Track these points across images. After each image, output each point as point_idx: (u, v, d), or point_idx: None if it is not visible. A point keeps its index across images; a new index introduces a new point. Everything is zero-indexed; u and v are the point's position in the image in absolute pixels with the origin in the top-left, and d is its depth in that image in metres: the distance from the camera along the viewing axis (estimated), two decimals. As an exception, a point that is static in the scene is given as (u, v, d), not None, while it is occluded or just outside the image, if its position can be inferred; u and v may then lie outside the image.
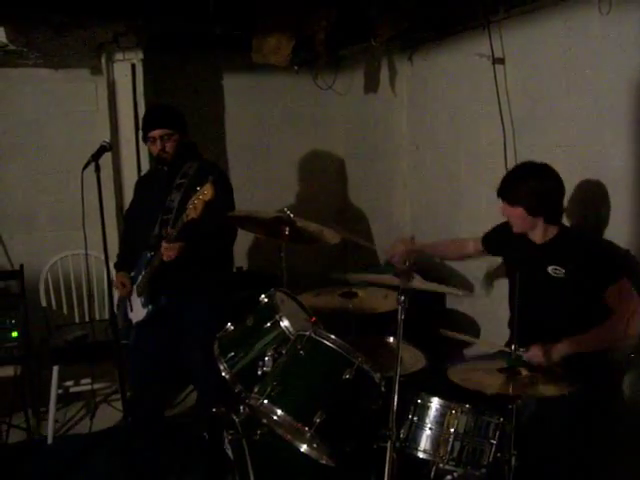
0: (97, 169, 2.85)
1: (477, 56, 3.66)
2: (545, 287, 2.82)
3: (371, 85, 4.89)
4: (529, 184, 2.79)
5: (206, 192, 2.90)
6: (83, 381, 4.18)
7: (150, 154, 3.74)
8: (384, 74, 4.74)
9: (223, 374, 2.66)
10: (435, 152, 4.45)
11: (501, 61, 3.61)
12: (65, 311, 4.40)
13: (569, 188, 3.24)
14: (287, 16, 4.13)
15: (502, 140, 3.61)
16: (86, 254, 3.95)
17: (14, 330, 3.95)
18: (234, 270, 4.11)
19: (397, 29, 4.05)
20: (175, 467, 3.43)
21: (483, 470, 2.42)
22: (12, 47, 4.02)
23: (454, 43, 4.09)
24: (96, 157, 2.88)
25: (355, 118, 5.32)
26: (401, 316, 2.22)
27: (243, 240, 4.87)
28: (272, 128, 5.30)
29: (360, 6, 4.03)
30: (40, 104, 4.62)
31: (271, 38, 4.24)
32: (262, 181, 5.20)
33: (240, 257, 4.77)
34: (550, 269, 2.80)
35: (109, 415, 4.14)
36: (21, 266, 4.26)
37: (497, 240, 3.19)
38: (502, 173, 3.50)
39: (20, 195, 4.67)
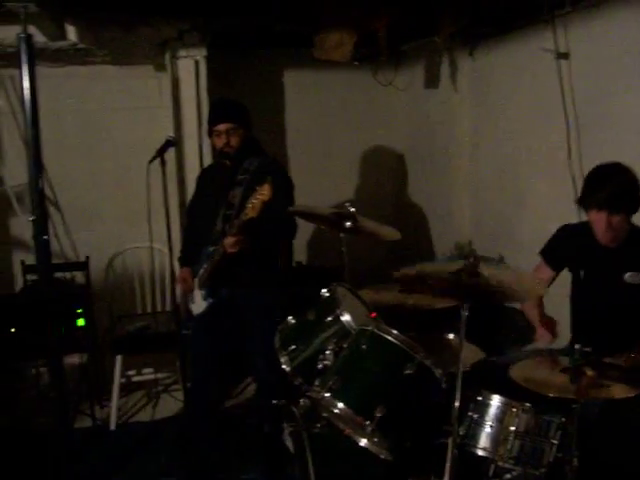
0: (162, 163, 2.95)
1: (541, 51, 3.61)
2: (619, 293, 2.72)
3: (432, 81, 4.87)
4: (621, 185, 2.59)
5: (264, 192, 2.94)
6: (145, 370, 4.29)
7: (213, 149, 3.80)
8: (445, 70, 4.71)
9: (284, 366, 2.68)
10: (496, 149, 4.40)
11: (566, 56, 3.56)
12: (128, 302, 4.50)
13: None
14: (350, 12, 4.13)
15: (565, 137, 3.55)
16: (151, 247, 4.07)
17: (80, 318, 4.05)
18: (293, 264, 4.14)
19: (459, 24, 4.02)
20: (234, 458, 3.48)
21: (542, 470, 2.39)
22: (82, 45, 4.14)
23: (516, 38, 4.04)
24: (161, 152, 2.97)
25: (415, 114, 5.30)
26: (465, 312, 2.21)
27: (302, 235, 4.88)
28: (332, 124, 5.33)
29: (423, 2, 4.01)
30: (106, 100, 4.70)
31: (333, 34, 4.26)
32: (321, 176, 5.24)
33: (299, 251, 4.80)
34: (627, 276, 2.69)
35: (170, 404, 4.24)
36: (87, 258, 4.39)
37: (559, 254, 3.00)
38: (565, 171, 3.46)
39: (86, 190, 4.75)
